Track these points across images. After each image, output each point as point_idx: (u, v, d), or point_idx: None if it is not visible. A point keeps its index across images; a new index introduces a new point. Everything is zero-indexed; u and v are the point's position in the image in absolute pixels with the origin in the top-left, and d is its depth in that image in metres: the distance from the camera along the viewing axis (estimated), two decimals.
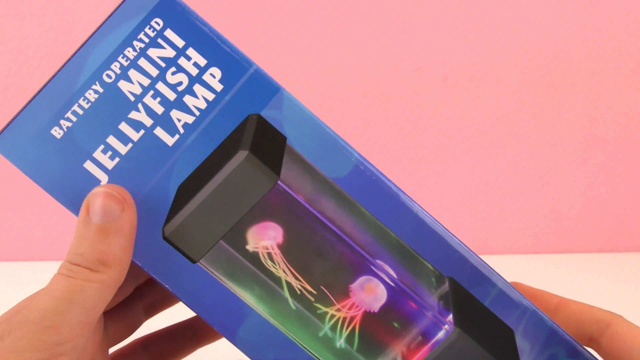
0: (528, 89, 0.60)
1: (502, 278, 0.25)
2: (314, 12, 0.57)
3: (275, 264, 0.24)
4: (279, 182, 0.24)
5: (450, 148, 0.61)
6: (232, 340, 0.24)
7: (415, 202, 0.25)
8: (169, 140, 0.24)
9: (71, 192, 0.24)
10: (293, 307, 0.24)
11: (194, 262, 0.24)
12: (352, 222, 0.25)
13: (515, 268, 0.60)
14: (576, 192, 0.63)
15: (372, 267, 0.24)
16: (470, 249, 0.25)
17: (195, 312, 0.24)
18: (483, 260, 0.25)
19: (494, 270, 0.25)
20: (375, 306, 0.25)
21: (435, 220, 0.25)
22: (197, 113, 0.24)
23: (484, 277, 0.25)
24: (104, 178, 0.24)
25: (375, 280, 0.24)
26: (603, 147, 0.62)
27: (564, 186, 0.63)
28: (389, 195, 0.24)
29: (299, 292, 0.24)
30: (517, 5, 0.58)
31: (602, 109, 0.62)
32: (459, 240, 0.25)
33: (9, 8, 0.58)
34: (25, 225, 0.60)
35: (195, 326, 0.32)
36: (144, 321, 0.30)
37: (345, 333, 0.24)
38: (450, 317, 0.25)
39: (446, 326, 0.25)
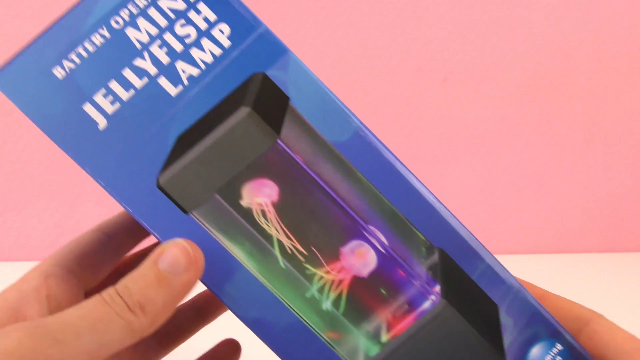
0: (528, 89, 0.60)
1: (491, 254, 0.26)
2: (314, 12, 0.57)
3: (268, 221, 0.24)
4: (278, 140, 0.24)
5: (450, 148, 0.60)
6: (219, 294, 0.24)
7: (411, 172, 0.25)
8: (172, 91, 0.24)
9: (67, 133, 0.23)
10: (282, 265, 0.24)
11: (186, 212, 0.24)
12: (348, 187, 0.25)
13: (515, 268, 0.59)
14: (576, 192, 0.62)
15: (364, 232, 0.25)
16: (461, 222, 0.26)
17: None
18: (473, 235, 0.26)
19: (483, 246, 0.26)
20: (365, 271, 0.25)
21: (429, 191, 0.25)
22: (203, 67, 0.24)
23: (473, 252, 0.25)
24: (102, 122, 0.24)
25: (366, 246, 0.25)
26: (603, 147, 0.62)
27: (564, 186, 0.62)
28: (386, 164, 0.25)
29: (289, 252, 0.24)
30: (517, 6, 0.58)
31: (602, 109, 0.61)
32: (451, 212, 0.25)
33: (9, 8, 0.57)
34: (25, 225, 0.59)
35: (199, 304, 0.32)
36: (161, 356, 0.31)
37: (332, 296, 0.25)
38: (438, 288, 0.25)
39: (433, 297, 0.25)
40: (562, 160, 0.62)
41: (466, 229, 0.26)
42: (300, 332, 0.24)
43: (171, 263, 0.22)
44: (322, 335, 0.24)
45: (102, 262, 0.29)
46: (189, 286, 0.22)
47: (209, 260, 0.24)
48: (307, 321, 0.24)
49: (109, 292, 0.22)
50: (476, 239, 0.26)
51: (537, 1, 0.58)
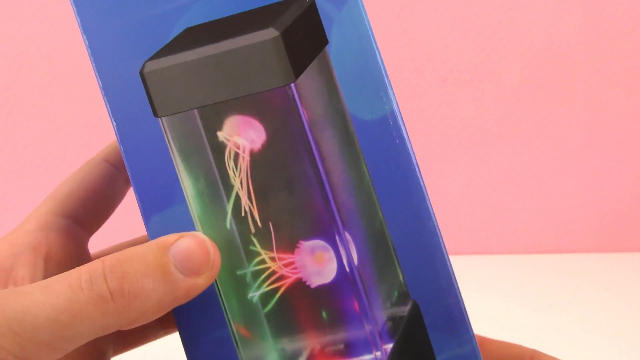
0: (528, 89, 0.59)
1: (475, 341, 0.20)
2: None
3: (237, 168, 0.20)
4: (292, 85, 0.19)
5: (450, 148, 0.60)
6: (145, 221, 0.20)
7: (428, 196, 0.19)
8: None
9: None
10: (227, 226, 0.20)
11: (156, 115, 0.20)
12: (345, 175, 0.20)
13: (515, 268, 0.59)
14: (576, 192, 0.62)
15: (337, 237, 0.19)
16: (458, 289, 0.20)
17: (127, 166, 0.20)
18: (465, 310, 0.20)
19: (471, 329, 0.20)
20: (315, 281, 0.20)
21: (438, 228, 0.19)
22: None
23: (455, 327, 0.19)
24: None
25: (331, 253, 0.19)
26: (603, 147, 0.61)
27: (564, 186, 0.62)
28: (402, 170, 0.19)
29: (242, 214, 0.20)
30: (517, 5, 0.57)
31: (602, 109, 0.60)
32: (452, 268, 0.19)
33: (9, 8, 0.58)
34: None
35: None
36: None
37: (265, 288, 0.20)
38: (390, 347, 0.19)
39: (378, 353, 0.19)
40: (562, 160, 0.61)
41: (460, 299, 0.19)
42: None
43: (184, 257, 0.18)
44: (232, 324, 0.20)
45: (110, 201, 0.24)
46: (196, 292, 0.18)
47: (153, 178, 0.20)
48: (224, 300, 0.20)
49: (89, 275, 0.18)
50: (467, 315, 0.19)
51: (537, 1, 0.57)
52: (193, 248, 0.18)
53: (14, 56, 0.58)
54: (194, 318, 0.20)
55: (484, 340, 0.25)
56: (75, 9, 0.20)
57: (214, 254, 0.19)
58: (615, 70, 0.60)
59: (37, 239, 0.22)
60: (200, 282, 0.18)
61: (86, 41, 0.20)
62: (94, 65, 0.20)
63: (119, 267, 0.18)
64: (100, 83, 0.20)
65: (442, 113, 0.60)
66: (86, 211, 0.24)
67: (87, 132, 0.61)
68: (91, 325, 0.17)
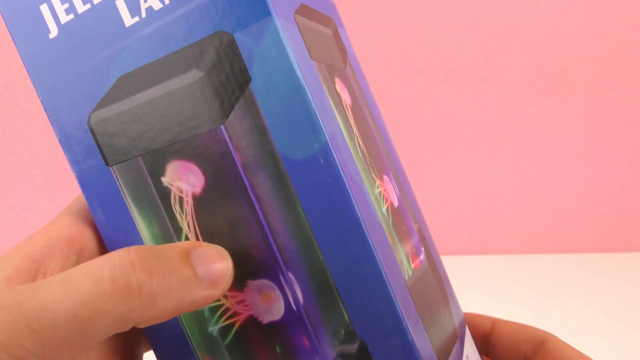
0: (528, 89, 0.59)
1: None
2: None
3: (182, 212, 0.20)
4: (222, 127, 0.19)
5: (450, 148, 0.60)
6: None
7: (370, 236, 0.18)
8: (128, 20, 0.19)
9: (23, 30, 0.21)
10: None
11: (107, 164, 0.21)
12: (282, 217, 0.19)
13: (515, 268, 0.59)
14: (576, 192, 0.62)
15: (281, 277, 0.19)
16: (408, 330, 0.19)
17: (92, 215, 0.21)
18: (417, 350, 0.19)
19: None
20: (265, 318, 0.20)
21: (383, 269, 0.18)
22: (167, 2, 0.19)
23: None
24: (54, 30, 0.20)
25: (277, 292, 0.19)
26: (603, 147, 0.60)
27: (564, 186, 0.62)
28: (338, 210, 0.18)
29: None
30: (517, 6, 0.56)
31: (602, 109, 0.59)
32: (401, 309, 0.18)
33: None
34: (26, 226, 0.60)
35: None
36: None
37: (222, 323, 0.21)
38: None
39: None
40: (562, 160, 0.61)
41: (412, 338, 0.19)
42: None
43: (206, 263, 0.18)
44: (197, 354, 0.21)
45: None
46: (209, 301, 0.18)
47: (114, 222, 0.21)
48: (188, 332, 0.21)
49: (114, 266, 0.17)
50: (419, 354, 0.19)
51: (537, 1, 0.55)
52: (214, 257, 0.18)
53: (14, 56, 0.57)
54: (169, 343, 0.22)
55: (497, 321, 0.26)
56: (27, 68, 0.21)
57: (231, 265, 0.19)
58: (615, 70, 0.56)
59: (72, 233, 0.21)
60: (215, 294, 0.18)
61: (40, 97, 0.21)
62: (50, 119, 0.21)
63: (148, 261, 0.17)
64: (58, 136, 0.21)
65: (442, 113, 0.59)
66: None
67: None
68: (112, 320, 0.16)
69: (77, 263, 0.20)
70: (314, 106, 0.18)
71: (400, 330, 0.18)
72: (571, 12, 0.56)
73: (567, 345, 0.25)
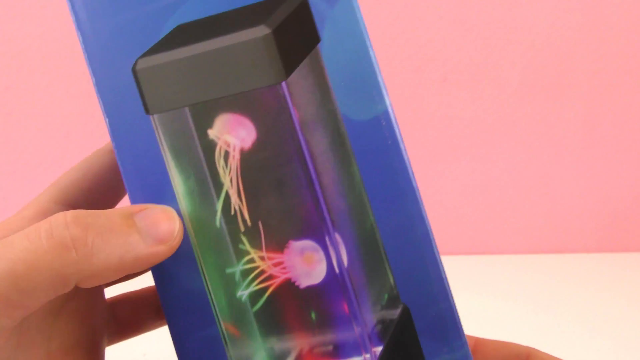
0: (528, 89, 0.59)
1: (467, 347, 0.19)
2: None
3: (227, 167, 0.20)
4: (283, 84, 0.19)
5: (450, 148, 0.60)
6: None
7: (421, 199, 0.19)
8: None
9: None
10: (217, 224, 0.20)
11: (148, 113, 0.20)
12: (336, 177, 0.19)
13: (515, 268, 0.59)
14: (576, 192, 0.62)
15: (327, 238, 0.19)
16: (451, 295, 0.19)
17: (119, 163, 0.20)
18: (457, 315, 0.19)
19: (463, 335, 0.19)
20: (304, 282, 0.19)
21: (431, 232, 0.19)
22: None
23: (447, 333, 0.19)
24: None
25: (321, 254, 0.19)
26: (603, 147, 0.61)
27: (564, 186, 0.62)
28: (394, 172, 0.19)
29: (232, 213, 0.20)
30: (517, 5, 0.57)
31: (602, 109, 0.60)
32: (445, 273, 0.19)
33: (9, 8, 0.57)
34: None
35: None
36: None
37: (253, 287, 0.20)
38: (380, 350, 0.19)
39: (367, 356, 0.19)
40: (562, 160, 0.61)
41: (453, 304, 0.19)
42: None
43: (150, 223, 0.19)
44: (221, 322, 0.20)
45: (115, 192, 0.24)
46: (157, 259, 0.19)
47: (144, 173, 0.20)
48: (213, 297, 0.20)
49: (49, 225, 0.17)
50: (459, 320, 0.19)
51: (537, 1, 0.57)
52: (159, 217, 0.19)
53: (14, 56, 0.58)
54: (183, 316, 0.20)
55: (479, 341, 0.26)
56: (70, 6, 0.20)
57: (179, 225, 0.19)
58: (615, 70, 0.59)
59: (48, 211, 0.21)
60: (162, 250, 0.18)
61: (80, 38, 0.20)
62: (87, 61, 0.20)
63: (84, 219, 0.18)
64: (94, 79, 0.20)
65: (442, 113, 0.59)
66: (89, 201, 0.23)
67: (87, 131, 0.62)
68: (49, 276, 0.17)
69: None
70: (379, 71, 0.19)
71: (444, 295, 0.19)
72: (571, 12, 0.58)
73: (550, 356, 0.25)
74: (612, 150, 0.61)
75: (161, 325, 0.25)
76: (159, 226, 0.19)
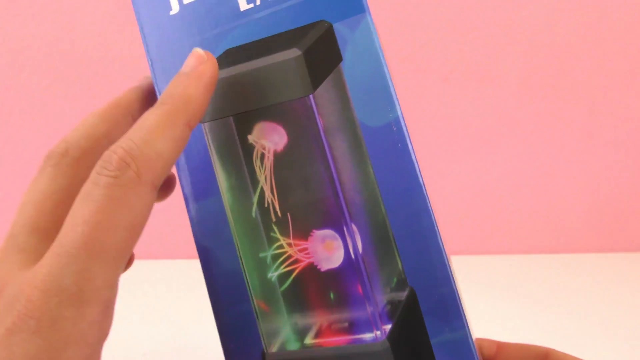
0: (528, 89, 0.59)
1: (467, 327, 0.21)
2: None
3: (262, 167, 0.23)
4: (310, 96, 0.22)
5: (450, 148, 0.60)
6: (187, 208, 0.24)
7: (427, 195, 0.22)
8: (243, 5, 0.24)
9: (145, 2, 0.25)
10: (253, 215, 0.23)
11: (200, 121, 0.24)
12: (353, 175, 0.23)
13: (515, 268, 0.60)
14: (576, 192, 0.62)
15: (344, 227, 0.22)
16: (453, 280, 0.21)
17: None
18: (459, 299, 0.21)
19: (464, 317, 0.21)
20: (324, 266, 0.22)
21: (436, 224, 0.22)
22: None
23: (448, 314, 0.21)
24: (175, 7, 0.24)
25: (339, 242, 0.22)
26: (603, 147, 0.61)
27: (564, 186, 0.62)
28: (404, 171, 0.22)
29: (266, 205, 0.23)
30: (517, 6, 0.57)
31: (602, 108, 0.60)
32: (448, 260, 0.21)
33: (9, 8, 0.57)
34: None
35: None
36: None
37: (282, 269, 0.23)
38: (389, 327, 0.22)
39: (378, 333, 0.22)
40: (562, 160, 0.61)
41: (455, 287, 0.21)
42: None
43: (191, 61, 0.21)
44: (254, 299, 0.23)
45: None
46: (209, 77, 0.21)
47: (198, 171, 0.24)
48: (248, 277, 0.23)
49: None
50: (461, 303, 0.21)
51: (537, 1, 0.57)
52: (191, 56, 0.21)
53: (14, 56, 0.58)
54: (223, 293, 0.23)
55: (502, 344, 0.27)
56: (142, 36, 0.25)
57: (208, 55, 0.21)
58: (615, 70, 0.59)
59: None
60: (208, 69, 0.21)
61: (149, 61, 0.25)
62: (154, 80, 0.25)
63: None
64: (158, 94, 0.25)
65: (442, 113, 0.60)
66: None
67: None
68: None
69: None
70: (392, 85, 0.22)
71: (447, 280, 0.21)
72: (571, 12, 0.58)
73: (569, 355, 0.26)
74: (612, 150, 0.61)
75: None
76: (196, 58, 0.21)
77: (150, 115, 0.20)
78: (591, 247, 0.64)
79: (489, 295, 0.52)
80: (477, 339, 0.28)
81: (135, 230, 0.18)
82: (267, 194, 0.23)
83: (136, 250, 0.20)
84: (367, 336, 0.22)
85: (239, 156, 0.23)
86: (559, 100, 0.60)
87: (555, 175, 0.62)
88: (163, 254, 0.63)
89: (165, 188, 0.25)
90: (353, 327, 0.22)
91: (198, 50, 0.22)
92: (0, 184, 0.62)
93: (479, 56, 0.59)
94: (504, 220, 0.63)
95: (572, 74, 0.59)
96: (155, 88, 0.25)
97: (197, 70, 0.22)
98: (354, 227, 0.22)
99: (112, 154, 0.19)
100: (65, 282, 0.17)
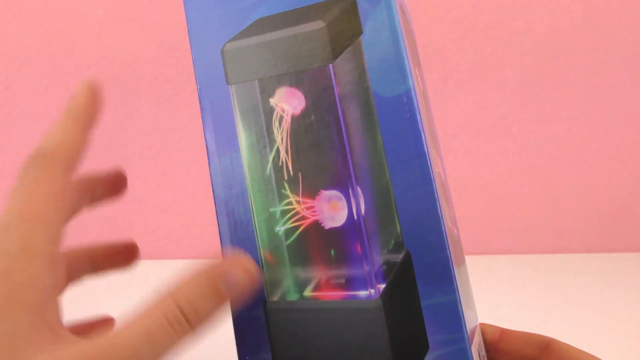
0: (528, 89, 0.59)
1: (457, 293, 0.22)
2: None
3: (280, 128, 0.25)
4: (330, 65, 0.24)
5: (450, 148, 0.61)
6: (210, 161, 0.26)
7: (431, 164, 0.23)
8: None
9: None
10: (267, 172, 0.25)
11: (228, 83, 0.26)
12: (362, 140, 0.24)
13: (515, 268, 0.60)
14: (576, 192, 0.62)
15: (349, 190, 0.24)
16: (448, 247, 0.22)
17: (205, 117, 0.26)
18: (452, 265, 0.22)
19: (455, 282, 0.22)
20: (328, 224, 0.24)
21: (437, 192, 0.23)
22: None
23: (440, 278, 0.22)
24: None
25: (344, 202, 0.24)
26: (603, 147, 0.60)
27: (564, 186, 0.62)
28: (410, 140, 0.23)
29: (280, 164, 0.25)
30: (517, 6, 0.57)
31: (602, 109, 0.59)
32: (445, 228, 0.22)
33: (9, 8, 0.57)
34: None
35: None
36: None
37: (289, 224, 0.24)
38: (383, 287, 0.23)
39: (372, 291, 0.23)
40: (562, 160, 0.61)
41: (449, 254, 0.22)
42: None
43: (233, 284, 0.23)
44: (260, 250, 0.25)
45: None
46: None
47: (220, 124, 0.26)
48: (257, 229, 0.25)
49: (171, 311, 0.21)
50: (453, 269, 0.22)
51: (537, 1, 0.56)
52: (241, 277, 0.23)
53: (14, 56, 0.58)
54: (235, 241, 0.25)
55: (506, 331, 0.28)
56: (184, 4, 0.27)
57: (256, 274, 0.23)
58: (616, 70, 0.58)
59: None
60: (245, 295, 0.23)
61: (188, 25, 0.27)
62: (191, 43, 0.27)
63: (191, 305, 0.21)
64: (193, 56, 0.27)
65: (442, 113, 0.60)
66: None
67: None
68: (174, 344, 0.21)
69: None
70: (407, 58, 0.23)
71: (441, 246, 0.22)
72: (571, 12, 0.57)
73: (571, 346, 0.27)
74: (612, 150, 0.61)
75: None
76: (241, 285, 0.23)
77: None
78: (591, 247, 0.63)
79: (489, 295, 0.52)
80: (481, 324, 0.29)
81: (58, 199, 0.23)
82: (282, 153, 0.25)
83: None
84: (362, 293, 0.23)
85: (260, 117, 0.25)
86: (559, 100, 0.60)
87: (555, 176, 0.62)
88: (163, 254, 0.64)
89: (115, 189, 0.29)
90: (349, 283, 0.23)
91: (250, 268, 0.23)
92: (0, 184, 0.63)
93: (479, 56, 0.59)
94: (504, 220, 0.63)
95: (572, 74, 0.59)
96: (192, 53, 0.27)
97: (235, 296, 0.23)
98: (358, 189, 0.24)
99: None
100: (10, 244, 0.21)
